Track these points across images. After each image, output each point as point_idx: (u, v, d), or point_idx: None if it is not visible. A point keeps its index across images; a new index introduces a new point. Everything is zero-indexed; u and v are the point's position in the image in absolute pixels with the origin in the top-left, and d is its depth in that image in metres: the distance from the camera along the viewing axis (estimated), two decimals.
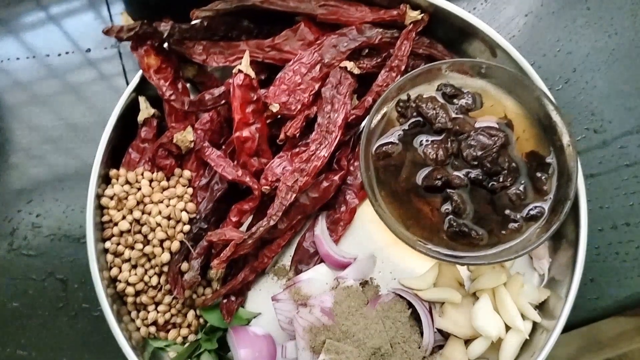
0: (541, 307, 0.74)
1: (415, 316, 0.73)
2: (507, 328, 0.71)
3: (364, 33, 0.77)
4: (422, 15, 0.77)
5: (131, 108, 0.76)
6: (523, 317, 0.71)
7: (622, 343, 1.59)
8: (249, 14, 0.77)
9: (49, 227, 0.81)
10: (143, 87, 0.77)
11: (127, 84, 0.86)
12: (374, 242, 0.78)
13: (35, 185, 0.83)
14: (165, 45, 0.74)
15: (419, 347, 0.71)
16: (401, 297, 0.73)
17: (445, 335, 0.73)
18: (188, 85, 0.79)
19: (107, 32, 0.69)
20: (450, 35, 0.80)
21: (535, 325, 0.72)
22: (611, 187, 0.80)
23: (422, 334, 0.72)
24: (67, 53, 0.87)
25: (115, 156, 0.76)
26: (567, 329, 0.70)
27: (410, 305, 0.73)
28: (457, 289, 0.74)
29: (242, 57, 0.73)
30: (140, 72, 0.75)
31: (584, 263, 0.70)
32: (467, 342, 0.72)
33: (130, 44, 0.72)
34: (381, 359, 0.69)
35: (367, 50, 0.79)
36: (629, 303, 0.77)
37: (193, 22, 0.74)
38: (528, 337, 0.71)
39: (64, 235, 0.81)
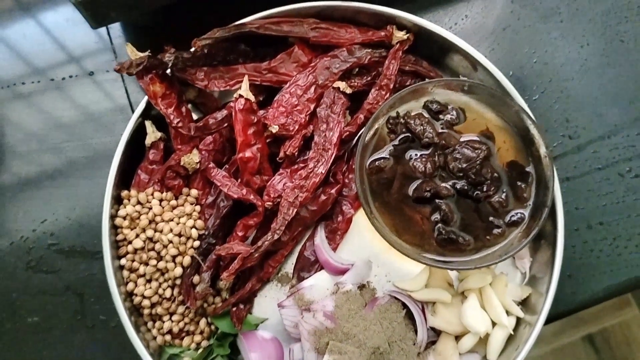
0: (524, 303, 0.80)
1: (410, 316, 0.78)
2: (494, 324, 0.77)
3: (354, 54, 0.82)
4: (408, 35, 0.83)
5: (137, 130, 0.81)
6: (507, 313, 0.77)
7: (603, 319, 1.68)
8: (245, 38, 0.82)
9: (63, 245, 0.86)
10: (148, 109, 0.81)
11: (130, 103, 0.91)
12: (370, 249, 0.84)
13: (48, 204, 0.87)
14: (168, 71, 0.79)
15: (414, 344, 0.77)
16: (396, 298, 0.79)
17: (437, 332, 0.79)
18: (189, 105, 0.84)
19: (118, 70, 0.73)
20: (434, 52, 0.85)
21: (518, 320, 0.78)
22: (585, 189, 0.87)
23: (416, 332, 0.77)
24: (70, 77, 0.91)
25: (124, 176, 0.81)
26: (548, 321, 0.76)
27: (404, 305, 0.78)
28: (447, 289, 0.80)
29: (241, 81, 0.78)
30: (146, 97, 0.79)
31: (561, 261, 0.76)
32: (458, 337, 0.78)
33: (136, 74, 0.76)
34: (380, 357, 0.75)
35: (357, 70, 0.84)
36: (604, 296, 0.84)
37: (193, 50, 0.78)
38: (512, 332, 0.77)
39: (78, 252, 0.86)
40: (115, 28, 0.93)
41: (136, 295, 0.77)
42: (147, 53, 0.76)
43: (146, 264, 0.77)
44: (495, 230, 0.75)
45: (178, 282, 0.77)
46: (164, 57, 0.75)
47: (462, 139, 0.76)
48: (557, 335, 1.70)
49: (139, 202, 0.78)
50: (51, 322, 0.84)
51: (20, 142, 0.90)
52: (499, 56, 0.91)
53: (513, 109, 0.76)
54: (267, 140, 0.80)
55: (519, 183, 0.75)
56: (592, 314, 1.70)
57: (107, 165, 0.79)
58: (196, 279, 0.77)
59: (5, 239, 0.86)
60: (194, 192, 0.80)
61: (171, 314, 0.78)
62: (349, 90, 0.81)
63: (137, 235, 0.77)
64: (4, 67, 0.92)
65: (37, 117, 0.91)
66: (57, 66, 0.93)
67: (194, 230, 0.78)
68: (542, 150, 0.74)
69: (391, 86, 0.81)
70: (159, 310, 0.77)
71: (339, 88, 0.81)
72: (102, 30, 0.93)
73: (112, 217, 0.78)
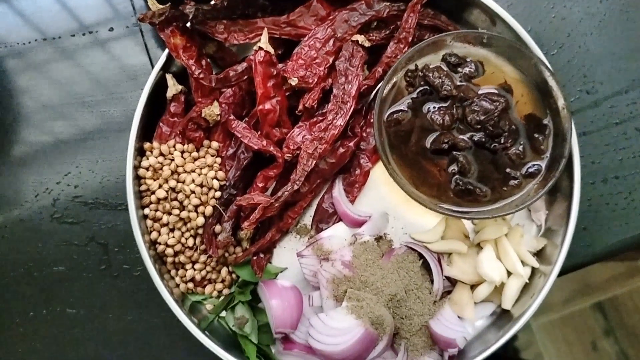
0: (539, 254, 0.81)
1: (426, 266, 0.80)
2: (509, 274, 0.79)
3: (373, 7, 0.82)
4: None
5: (158, 84, 0.82)
6: (523, 263, 0.79)
7: (612, 286, 1.69)
8: None
9: (87, 197, 0.88)
10: (168, 64, 0.82)
11: (150, 58, 0.92)
12: (387, 201, 0.85)
13: (71, 158, 0.89)
14: (188, 25, 0.79)
15: (430, 293, 0.79)
16: (412, 249, 0.81)
17: (453, 282, 0.81)
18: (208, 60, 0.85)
19: (141, 19, 0.74)
20: (453, 6, 0.85)
21: (533, 271, 0.80)
22: (602, 143, 0.87)
23: (432, 281, 0.80)
24: (90, 33, 0.92)
25: (146, 129, 0.82)
26: (562, 273, 0.78)
27: (421, 256, 0.80)
28: (462, 240, 0.82)
29: (260, 34, 0.79)
30: (167, 51, 0.80)
31: (577, 214, 0.78)
32: (473, 287, 0.80)
33: (157, 26, 0.77)
34: (397, 304, 0.77)
35: (375, 23, 0.84)
36: (618, 248, 0.85)
37: (213, 2, 0.79)
38: (528, 281, 0.79)
39: (101, 204, 0.88)
40: None
41: (160, 244, 0.79)
42: (168, 5, 0.76)
43: (169, 213, 0.78)
44: (512, 182, 0.76)
45: (200, 231, 0.79)
46: (184, 8, 0.76)
47: (480, 92, 0.77)
48: (566, 303, 1.71)
49: (161, 154, 0.80)
50: (76, 271, 0.87)
51: (44, 97, 0.91)
52: (518, 11, 0.90)
53: (532, 60, 0.76)
54: (287, 93, 0.81)
55: (536, 135, 0.76)
56: (602, 282, 1.70)
57: (128, 119, 0.80)
58: (218, 228, 0.79)
59: (30, 192, 0.89)
60: (214, 144, 0.82)
61: (194, 263, 0.81)
62: (367, 44, 0.82)
63: (160, 186, 0.79)
64: (28, 24, 0.93)
65: (60, 73, 0.92)
66: (80, 23, 0.93)
67: (215, 181, 0.79)
68: (560, 102, 0.75)
69: (410, 39, 0.81)
70: (181, 258, 0.80)
71: (357, 41, 0.81)
72: None
73: (136, 168, 0.79)
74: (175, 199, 0.78)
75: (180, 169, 0.79)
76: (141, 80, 0.85)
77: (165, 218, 0.78)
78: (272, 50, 0.77)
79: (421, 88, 0.78)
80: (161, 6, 0.76)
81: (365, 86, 0.81)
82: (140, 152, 0.81)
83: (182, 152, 0.81)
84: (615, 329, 1.67)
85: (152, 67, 0.89)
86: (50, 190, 0.89)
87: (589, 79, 0.89)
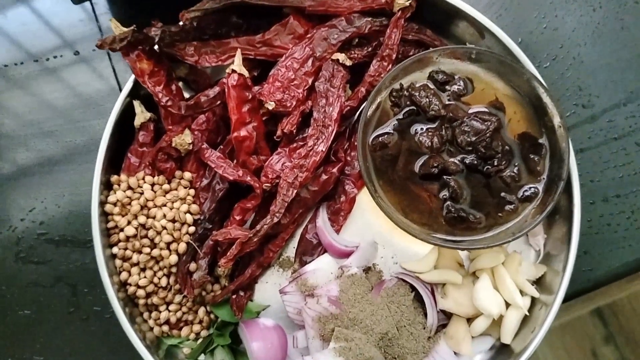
0: (539, 282, 0.77)
1: (419, 298, 0.76)
2: (507, 305, 0.74)
3: (353, 23, 0.77)
4: (410, 1, 0.78)
5: (125, 111, 0.77)
6: (522, 293, 0.74)
7: (611, 292, 1.65)
8: (237, 9, 0.77)
9: (53, 234, 0.83)
10: (136, 88, 0.77)
11: (118, 83, 0.86)
12: (375, 229, 0.80)
13: (36, 192, 0.84)
14: (156, 47, 0.74)
15: (424, 328, 0.74)
16: (404, 281, 0.76)
17: (448, 315, 0.76)
18: (180, 83, 0.79)
19: (100, 46, 0.68)
20: (439, 19, 0.81)
21: (534, 301, 0.75)
22: (601, 160, 0.83)
23: (426, 315, 0.75)
24: (55, 57, 0.87)
25: (113, 160, 0.77)
26: (563, 301, 0.73)
27: (413, 288, 0.76)
28: (457, 269, 0.77)
29: (233, 56, 0.74)
30: (133, 76, 0.75)
31: (578, 237, 0.73)
32: (469, 320, 0.75)
33: (120, 51, 0.71)
34: (389, 342, 0.72)
35: (357, 40, 0.79)
36: (622, 272, 0.81)
37: (182, 23, 0.73)
38: (528, 313, 0.74)
39: (69, 241, 0.82)
40: (101, 4, 0.88)
41: (130, 284, 0.74)
42: (131, 28, 0.71)
43: (139, 252, 0.73)
44: (508, 207, 0.71)
45: (174, 270, 0.74)
46: (149, 31, 0.71)
47: (470, 111, 0.72)
48: (565, 311, 1.66)
49: (129, 187, 0.75)
50: (44, 315, 0.82)
51: (4, 126, 0.86)
52: (507, 22, 0.86)
53: (524, 76, 0.72)
54: (264, 118, 0.76)
55: (531, 156, 0.72)
56: (600, 288, 1.67)
57: (96, 149, 0.75)
58: (193, 266, 0.74)
59: None
60: (187, 175, 0.76)
61: (168, 304, 0.75)
62: (348, 62, 0.77)
63: (129, 222, 0.73)
64: None
65: (21, 101, 0.87)
66: (42, 47, 0.88)
67: (188, 215, 0.74)
68: (556, 120, 0.70)
69: (393, 57, 0.77)
70: (155, 300, 0.74)
71: (338, 60, 0.76)
72: (88, 7, 0.88)
73: (102, 203, 0.74)
74: (146, 236, 0.73)
75: (150, 203, 0.74)
76: (108, 107, 0.80)
77: (135, 257, 0.73)
78: (246, 73, 0.72)
79: (407, 108, 0.73)
80: (125, 29, 0.71)
81: (348, 108, 0.77)
82: (107, 186, 0.76)
83: (152, 184, 0.76)
84: (615, 335, 1.64)
85: (121, 91, 0.83)
86: (14, 228, 0.83)
87: (584, 92, 0.84)
